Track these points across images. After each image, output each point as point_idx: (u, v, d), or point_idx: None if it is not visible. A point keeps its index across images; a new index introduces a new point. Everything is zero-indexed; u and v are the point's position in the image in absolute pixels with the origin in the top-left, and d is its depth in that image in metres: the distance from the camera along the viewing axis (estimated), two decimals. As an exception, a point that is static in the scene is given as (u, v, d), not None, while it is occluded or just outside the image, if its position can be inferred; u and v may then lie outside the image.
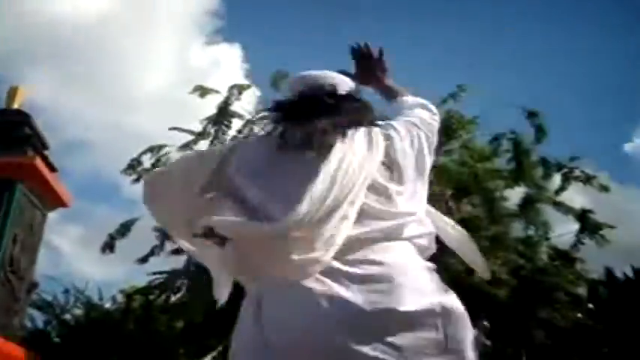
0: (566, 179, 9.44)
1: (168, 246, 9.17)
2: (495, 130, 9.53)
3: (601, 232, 8.90)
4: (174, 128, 9.29)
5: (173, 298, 9.26)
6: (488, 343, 8.70)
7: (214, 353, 9.40)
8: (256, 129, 9.48)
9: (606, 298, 17.14)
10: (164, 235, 9.16)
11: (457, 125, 9.34)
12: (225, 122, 9.05)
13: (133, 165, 9.36)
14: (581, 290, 9.96)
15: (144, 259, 9.15)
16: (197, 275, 8.49)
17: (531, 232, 9.17)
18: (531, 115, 9.35)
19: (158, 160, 9.33)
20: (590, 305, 9.53)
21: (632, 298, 17.27)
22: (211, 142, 9.00)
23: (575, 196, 10.35)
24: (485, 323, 8.34)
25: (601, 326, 9.53)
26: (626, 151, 46.19)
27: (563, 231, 9.51)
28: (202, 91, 9.12)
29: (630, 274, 17.95)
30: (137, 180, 9.31)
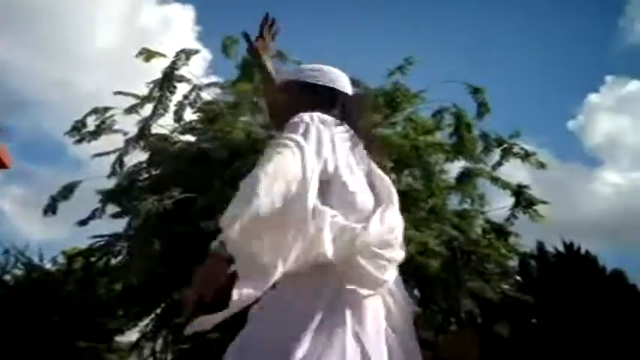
0: (505, 155, 9.63)
1: (110, 209, 9.17)
2: (441, 104, 9.69)
3: (534, 208, 9.18)
4: (119, 92, 9.17)
5: (113, 261, 9.26)
6: (418, 310, 9.04)
7: (152, 315, 9.48)
8: (204, 94, 9.44)
9: (536, 271, 17.91)
10: (106, 199, 9.13)
11: (402, 98, 9.47)
12: (171, 88, 8.94)
13: (78, 127, 9.20)
14: (513, 263, 10.32)
15: (84, 222, 9.10)
16: (137, 239, 8.52)
17: (467, 205, 9.45)
18: (475, 91, 9.50)
19: (103, 123, 9.22)
20: (519, 278, 9.85)
21: (561, 271, 18.09)
22: (155, 106, 8.90)
23: (518, 172, 10.67)
24: (416, 292, 8.70)
25: (530, 298, 9.87)
26: (569, 128, 47.48)
27: (502, 205, 9.78)
28: (148, 54, 8.95)
29: (561, 248, 18.79)
30: (80, 141, 9.21)
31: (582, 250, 19.16)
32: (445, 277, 8.38)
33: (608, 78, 52.07)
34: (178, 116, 9.15)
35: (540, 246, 19.17)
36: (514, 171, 10.47)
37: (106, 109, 9.25)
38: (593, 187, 47.50)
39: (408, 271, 8.38)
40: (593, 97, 49.88)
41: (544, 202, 9.30)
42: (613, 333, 16.37)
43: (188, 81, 9.26)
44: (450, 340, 9.46)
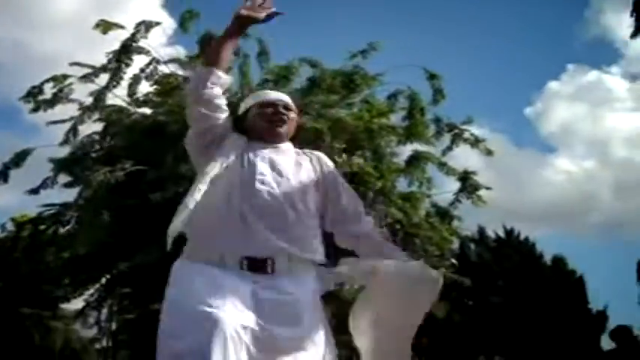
0: (455, 140, 9.85)
1: (62, 178, 9.12)
2: (397, 87, 9.85)
3: (478, 193, 9.50)
4: (75, 63, 9.05)
5: (62, 230, 9.23)
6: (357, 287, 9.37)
7: (97, 285, 9.54)
8: (162, 67, 9.41)
9: (475, 254, 18.60)
10: (58, 168, 9.07)
11: (360, 80, 9.59)
12: (127, 60, 8.88)
13: (34, 93, 8.99)
14: (454, 246, 10.62)
15: (35, 191, 9.03)
16: (86, 209, 8.53)
17: (415, 188, 9.68)
18: (432, 77, 9.69)
19: (60, 91, 9.03)
20: (454, 261, 10.19)
21: (499, 255, 18.80)
22: (111, 77, 8.85)
23: (472, 156, 10.99)
24: None
25: (467, 280, 10.26)
26: (526, 114, 48.49)
27: (451, 188, 10.03)
28: (105, 25, 8.84)
29: (502, 233, 19.53)
30: (36, 110, 9.02)
31: (522, 236, 20.07)
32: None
33: (570, 66, 53.54)
34: (132, 91, 9.11)
35: (481, 230, 19.92)
36: (468, 156, 10.78)
37: (65, 76, 9.08)
38: (545, 173, 48.86)
39: (348, 252, 8.56)
40: (553, 85, 51.24)
41: (488, 188, 9.64)
42: (546, 315, 17.20)
43: (147, 53, 9.22)
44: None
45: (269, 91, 2.48)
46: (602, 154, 49.18)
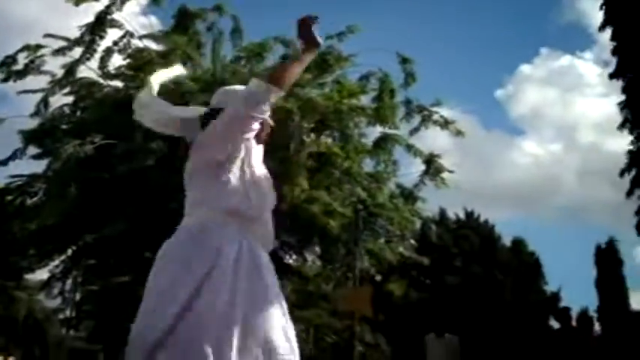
0: (425, 122, 10.02)
1: (31, 150, 9.09)
2: (369, 69, 9.91)
3: (441, 175, 9.76)
4: (49, 35, 9.01)
5: (29, 202, 9.22)
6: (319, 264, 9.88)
7: (62, 257, 9.57)
8: (135, 41, 9.40)
9: (436, 235, 19.04)
10: (28, 140, 9.03)
11: (333, 61, 9.66)
12: (101, 33, 8.85)
13: (7, 62, 8.94)
14: (416, 227, 10.91)
15: (4, 163, 8.99)
16: (54, 181, 8.54)
17: (381, 169, 9.87)
18: (404, 60, 9.81)
19: (32, 62, 8.98)
20: (413, 241, 10.48)
21: (459, 237, 19.28)
22: (84, 50, 8.82)
23: (441, 137, 11.19)
24: (317, 249, 9.29)
25: (426, 260, 10.56)
26: (496, 96, 48.93)
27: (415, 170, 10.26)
28: (77, -2, 8.79)
29: (462, 215, 20.01)
30: (6, 80, 8.97)
31: (483, 218, 20.58)
32: (345, 237, 8.88)
33: (543, 50, 54.03)
34: (104, 64, 9.09)
35: (442, 212, 20.38)
36: (437, 136, 10.96)
37: (38, 46, 9.03)
38: (512, 155, 49.55)
39: (312, 229, 8.87)
40: (525, 68, 51.70)
41: (450, 172, 9.91)
42: (500, 295, 17.73)
43: (120, 26, 9.19)
44: (347, 296, 10.02)
45: None
46: (570, 138, 50.10)
